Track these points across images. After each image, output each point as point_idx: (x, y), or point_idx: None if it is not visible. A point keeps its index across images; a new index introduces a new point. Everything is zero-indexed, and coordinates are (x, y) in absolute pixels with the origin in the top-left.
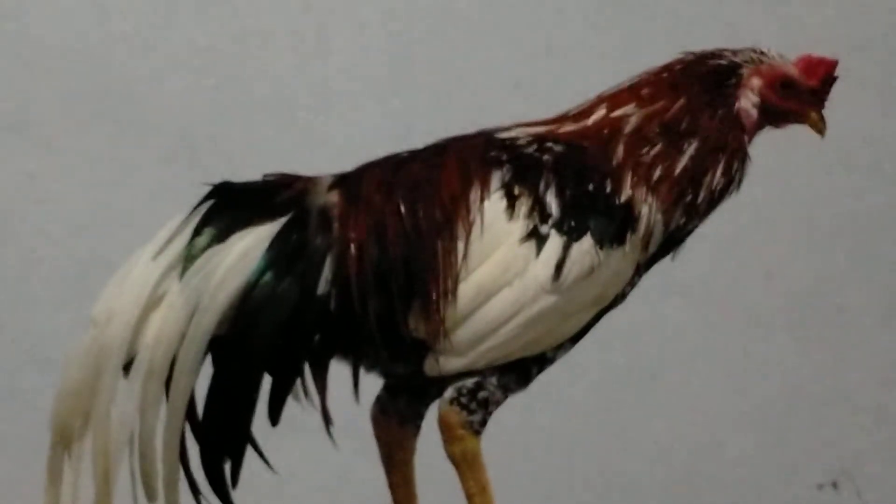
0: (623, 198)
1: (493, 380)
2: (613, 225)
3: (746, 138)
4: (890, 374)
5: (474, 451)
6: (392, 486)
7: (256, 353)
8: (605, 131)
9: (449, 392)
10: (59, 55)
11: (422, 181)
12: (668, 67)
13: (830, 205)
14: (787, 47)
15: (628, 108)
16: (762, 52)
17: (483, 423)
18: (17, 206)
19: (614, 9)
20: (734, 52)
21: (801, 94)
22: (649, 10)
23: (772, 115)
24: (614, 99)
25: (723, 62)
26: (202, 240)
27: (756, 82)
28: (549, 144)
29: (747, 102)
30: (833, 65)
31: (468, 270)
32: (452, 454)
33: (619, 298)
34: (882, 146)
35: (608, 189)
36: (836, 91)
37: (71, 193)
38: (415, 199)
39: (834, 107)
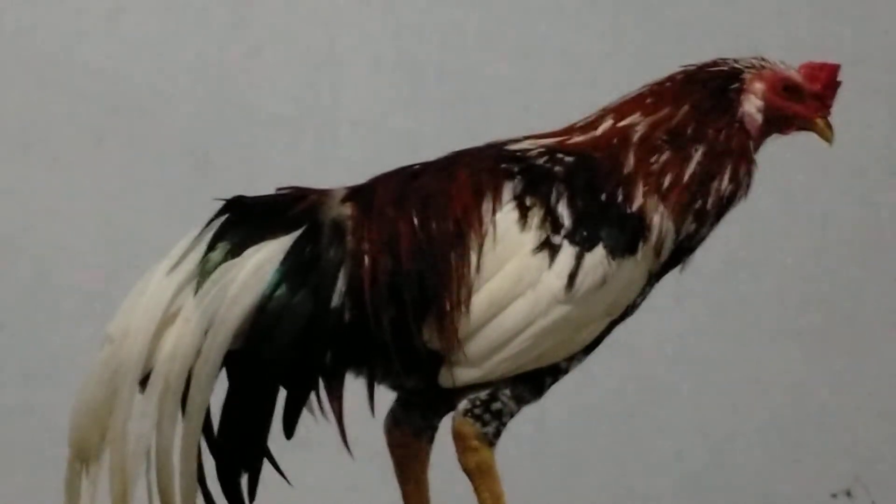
0: (635, 206)
1: (507, 391)
2: (625, 234)
3: (752, 143)
4: None
5: (489, 463)
6: (406, 498)
7: (271, 367)
8: (614, 141)
9: (463, 404)
10: (71, 71)
11: (434, 193)
12: (670, 77)
13: (842, 213)
14: (795, 58)
15: (634, 118)
16: (763, 59)
17: (497, 434)
18: (31, 221)
19: (626, 23)
20: (735, 60)
21: (806, 100)
22: (661, 25)
23: (777, 120)
24: (620, 109)
25: (724, 69)
26: (216, 254)
27: (759, 86)
28: (560, 155)
29: (751, 107)
30: (835, 69)
31: (481, 282)
32: (467, 465)
33: (631, 309)
34: (893, 154)
35: (620, 198)
36: (847, 100)
37: (84, 209)
38: (427, 211)
39: (844, 116)
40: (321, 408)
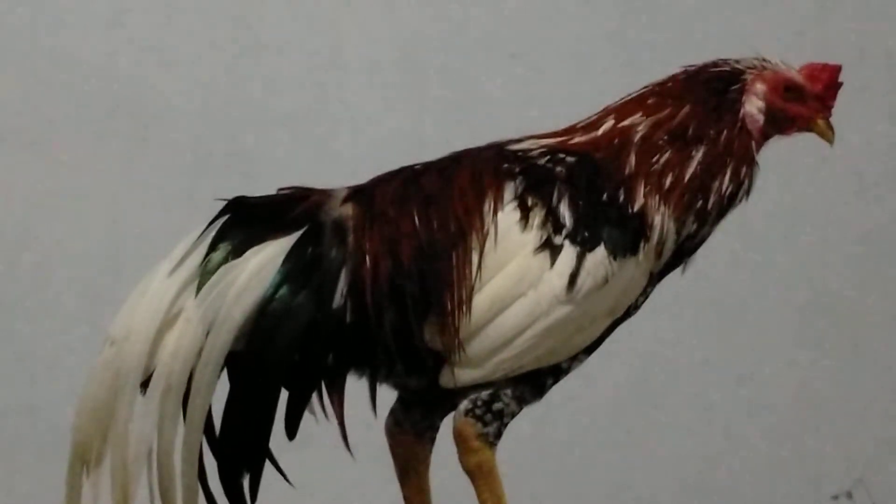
0: (636, 207)
1: (508, 391)
2: (627, 234)
3: (753, 144)
4: None
5: (490, 463)
6: (407, 499)
7: (273, 368)
8: (616, 141)
9: (464, 404)
10: (74, 71)
11: (435, 193)
12: (672, 77)
13: (842, 214)
14: (797, 58)
15: (635, 118)
16: (765, 59)
17: (498, 434)
18: (32, 220)
19: (627, 23)
20: (737, 61)
21: (807, 101)
22: (662, 25)
23: (778, 121)
24: (621, 110)
25: (726, 69)
26: (218, 255)
27: (760, 87)
28: (561, 156)
29: (752, 107)
30: (837, 70)
31: (482, 282)
32: (468, 466)
33: (633, 309)
34: (893, 154)
35: (621, 199)
36: (849, 102)
37: (86, 208)
38: (429, 211)
39: (846, 117)
40: (323, 408)
